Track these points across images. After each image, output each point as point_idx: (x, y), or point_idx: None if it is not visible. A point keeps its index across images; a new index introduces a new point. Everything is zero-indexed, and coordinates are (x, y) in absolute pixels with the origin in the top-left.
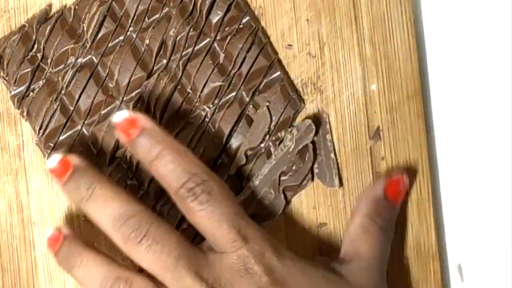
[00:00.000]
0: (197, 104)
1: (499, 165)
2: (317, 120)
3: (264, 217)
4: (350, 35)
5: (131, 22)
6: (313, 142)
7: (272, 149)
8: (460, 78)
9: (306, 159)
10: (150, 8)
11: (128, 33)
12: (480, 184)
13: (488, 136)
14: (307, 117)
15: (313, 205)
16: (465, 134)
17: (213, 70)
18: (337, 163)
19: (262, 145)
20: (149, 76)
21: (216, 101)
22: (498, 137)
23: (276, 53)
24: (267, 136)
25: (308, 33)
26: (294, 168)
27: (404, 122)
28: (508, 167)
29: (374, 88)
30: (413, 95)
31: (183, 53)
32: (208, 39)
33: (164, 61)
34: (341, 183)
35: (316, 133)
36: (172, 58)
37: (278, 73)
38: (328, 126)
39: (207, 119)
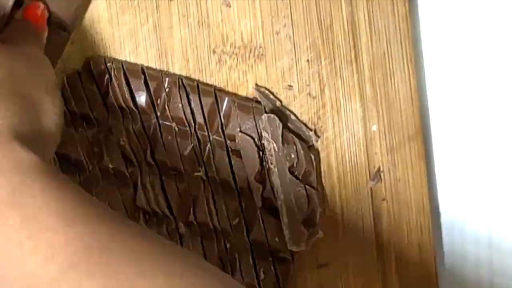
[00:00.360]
0: (188, 177)
1: (502, 206)
2: (264, 105)
3: (313, 214)
4: (351, 75)
5: (87, 164)
6: (283, 126)
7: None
8: (462, 119)
9: (291, 138)
10: (91, 138)
11: (93, 172)
12: (484, 225)
13: (491, 177)
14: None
15: (314, 246)
16: (466, 175)
17: (177, 141)
18: (301, 121)
19: (264, 163)
20: (135, 190)
21: (201, 162)
22: (501, 178)
23: (210, 86)
24: (261, 153)
25: (308, 74)
26: (292, 156)
27: (405, 163)
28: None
29: (374, 128)
30: (414, 136)
31: (144, 149)
32: (153, 121)
33: (136, 167)
34: (317, 135)
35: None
36: (139, 161)
37: (226, 98)
38: (271, 97)
39: (206, 182)
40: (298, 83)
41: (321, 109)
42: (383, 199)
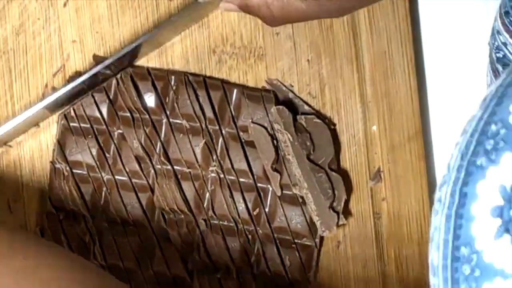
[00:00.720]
0: (204, 173)
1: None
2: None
3: (339, 196)
4: (351, 74)
5: (98, 168)
6: (294, 118)
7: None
8: (462, 119)
9: (303, 127)
10: (103, 144)
11: (106, 178)
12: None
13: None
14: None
15: None
16: None
17: (189, 137)
18: (308, 104)
19: (279, 151)
20: (152, 192)
21: (214, 157)
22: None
23: (217, 79)
24: (275, 142)
25: (308, 74)
26: (308, 143)
27: (405, 163)
28: None
29: (374, 129)
30: (414, 136)
31: (157, 150)
32: (164, 121)
33: (150, 169)
34: (333, 123)
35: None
36: (153, 162)
37: (235, 90)
38: (284, 88)
39: (222, 175)
40: (298, 83)
41: (321, 109)
42: (383, 199)
